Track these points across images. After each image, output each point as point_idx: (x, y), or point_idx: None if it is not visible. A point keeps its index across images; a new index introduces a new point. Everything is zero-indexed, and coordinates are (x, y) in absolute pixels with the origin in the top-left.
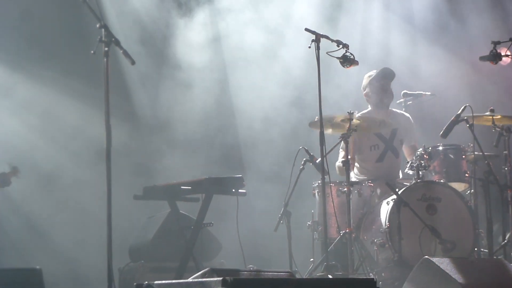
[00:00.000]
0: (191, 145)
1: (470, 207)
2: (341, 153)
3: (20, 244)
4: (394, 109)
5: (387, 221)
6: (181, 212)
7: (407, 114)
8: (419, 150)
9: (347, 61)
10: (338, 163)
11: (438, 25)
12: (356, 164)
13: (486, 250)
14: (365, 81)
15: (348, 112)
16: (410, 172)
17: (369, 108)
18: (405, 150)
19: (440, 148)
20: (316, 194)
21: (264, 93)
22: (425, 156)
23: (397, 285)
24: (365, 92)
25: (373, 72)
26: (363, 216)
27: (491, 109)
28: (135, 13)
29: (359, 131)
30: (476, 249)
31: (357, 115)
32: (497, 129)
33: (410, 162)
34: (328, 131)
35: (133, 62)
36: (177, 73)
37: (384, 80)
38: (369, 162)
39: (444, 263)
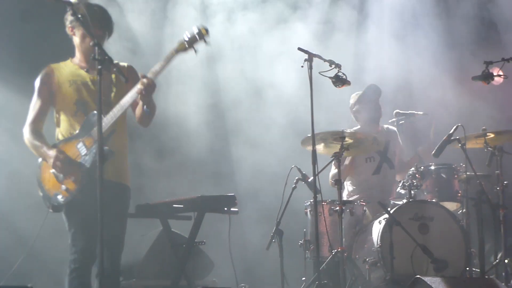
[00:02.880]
0: (183, 164)
1: (462, 227)
2: (333, 166)
3: (11, 261)
4: (383, 125)
5: (379, 240)
6: (173, 230)
7: (394, 128)
8: (411, 170)
9: (339, 81)
10: (332, 174)
11: (431, 44)
12: (348, 184)
13: (478, 270)
14: (352, 100)
15: (341, 130)
16: (402, 191)
17: (358, 126)
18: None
19: (432, 167)
20: (308, 213)
21: (257, 112)
22: (417, 175)
23: None
24: (354, 109)
25: (359, 92)
26: (355, 235)
27: (484, 128)
28: (127, 27)
29: (352, 148)
30: (468, 268)
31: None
32: (489, 148)
33: (402, 181)
34: (320, 148)
35: (126, 80)
36: (169, 91)
37: (373, 96)
38: (366, 174)
39: (436, 283)
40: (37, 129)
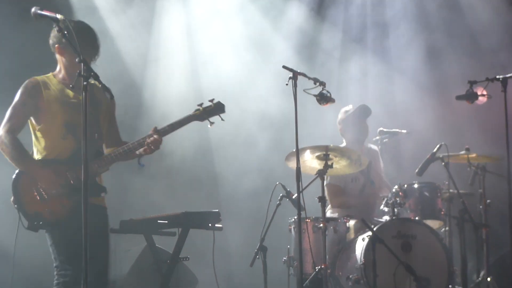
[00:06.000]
0: (168, 180)
1: (444, 245)
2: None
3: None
4: (366, 144)
5: (362, 258)
6: (158, 246)
7: (376, 147)
8: (394, 188)
9: (324, 99)
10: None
11: (414, 63)
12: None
13: None
14: (341, 115)
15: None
16: (386, 209)
17: (344, 143)
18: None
19: (416, 185)
20: (292, 229)
21: (242, 129)
22: (400, 193)
23: None
24: (340, 126)
25: (349, 107)
26: (338, 252)
27: (467, 147)
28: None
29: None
30: (450, 286)
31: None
32: (472, 167)
33: (386, 199)
34: (304, 165)
35: (111, 97)
36: (155, 107)
37: (362, 117)
38: (353, 193)
39: None
40: (18, 139)
